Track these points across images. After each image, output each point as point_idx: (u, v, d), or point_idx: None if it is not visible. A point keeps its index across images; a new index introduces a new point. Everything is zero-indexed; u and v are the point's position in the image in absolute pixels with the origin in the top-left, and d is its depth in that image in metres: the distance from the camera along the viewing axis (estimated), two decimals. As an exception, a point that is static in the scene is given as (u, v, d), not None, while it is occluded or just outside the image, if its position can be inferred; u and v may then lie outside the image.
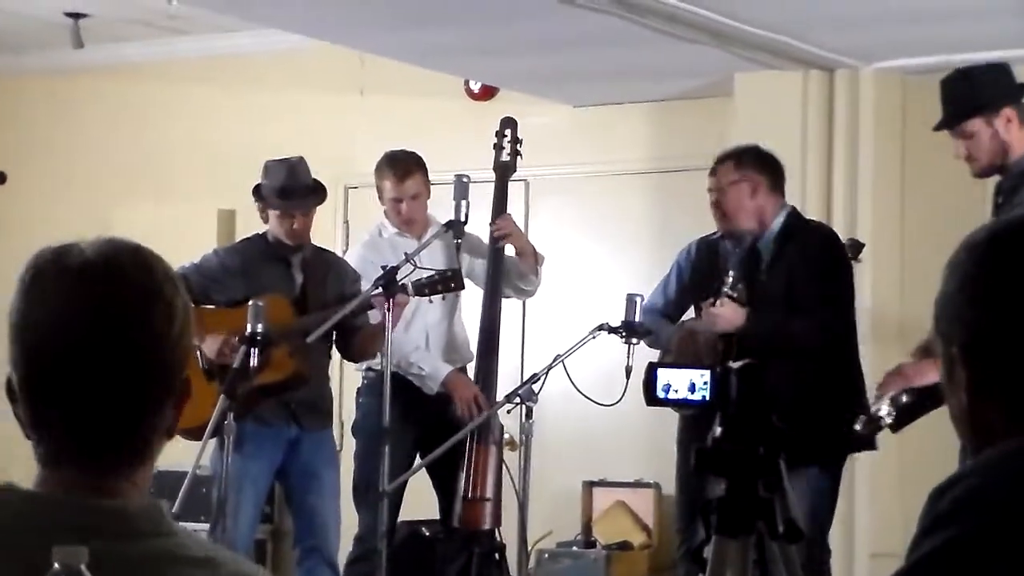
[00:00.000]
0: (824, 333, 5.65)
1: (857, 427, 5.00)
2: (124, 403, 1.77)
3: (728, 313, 5.63)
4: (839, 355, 5.69)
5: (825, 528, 5.71)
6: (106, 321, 1.76)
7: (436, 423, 6.34)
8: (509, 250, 6.66)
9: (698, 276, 6.46)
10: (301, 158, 6.41)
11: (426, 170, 6.58)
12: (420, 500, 6.64)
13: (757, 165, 5.86)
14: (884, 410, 4.87)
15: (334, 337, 6.34)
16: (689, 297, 6.49)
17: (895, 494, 7.40)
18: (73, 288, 1.77)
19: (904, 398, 4.83)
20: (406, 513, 6.56)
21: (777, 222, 5.83)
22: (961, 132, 5.06)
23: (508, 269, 6.63)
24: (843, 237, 6.39)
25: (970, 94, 5.07)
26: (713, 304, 5.68)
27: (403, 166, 6.55)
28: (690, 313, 6.46)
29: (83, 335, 1.75)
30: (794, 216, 5.92)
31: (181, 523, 1.82)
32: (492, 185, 6.72)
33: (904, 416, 4.88)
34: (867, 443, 5.74)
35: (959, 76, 5.16)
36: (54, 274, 1.78)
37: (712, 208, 6.48)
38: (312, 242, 6.43)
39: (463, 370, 6.59)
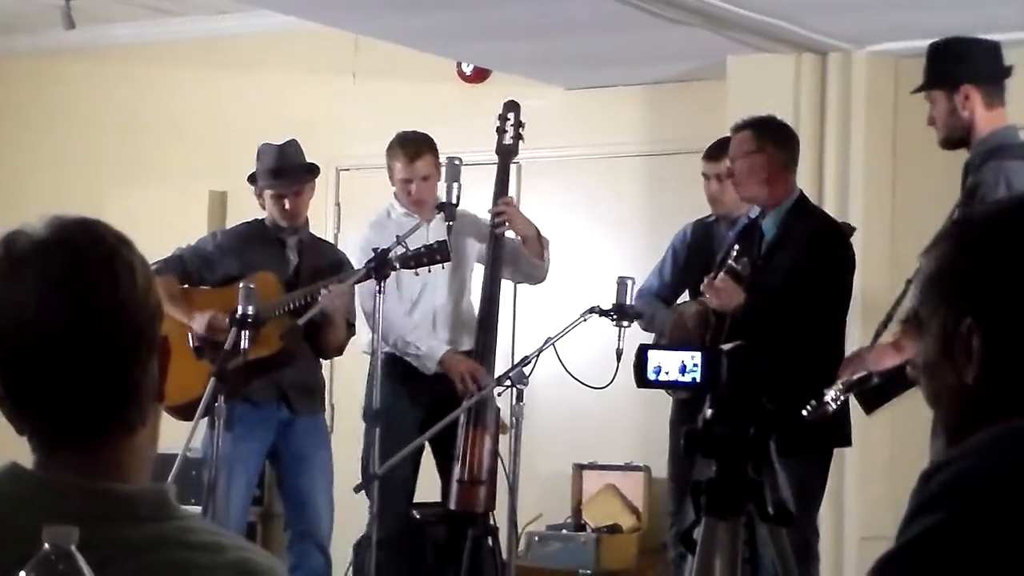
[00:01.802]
0: (819, 332, 5.57)
1: (804, 413, 4.98)
2: (107, 373, 1.77)
3: (727, 291, 5.56)
4: (823, 346, 5.65)
5: (813, 511, 5.71)
6: (71, 296, 1.75)
7: (440, 405, 6.34)
8: (511, 234, 6.64)
9: (693, 259, 6.45)
10: (293, 140, 6.42)
11: (437, 152, 6.58)
12: (426, 483, 6.62)
13: (776, 139, 5.77)
14: (831, 395, 4.88)
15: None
16: (684, 280, 6.49)
17: (885, 477, 7.41)
18: (31, 272, 1.76)
19: (874, 379, 4.84)
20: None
21: (786, 203, 5.73)
22: (928, 99, 5.12)
23: (515, 255, 6.61)
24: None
25: (937, 65, 5.12)
26: (715, 277, 5.61)
27: (414, 147, 6.56)
28: (685, 296, 6.46)
29: (51, 316, 1.75)
30: (803, 201, 5.84)
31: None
32: (484, 167, 6.71)
33: (875, 398, 4.89)
34: (842, 439, 5.73)
35: (938, 45, 5.21)
36: (8, 264, 1.77)
37: (707, 193, 6.46)
38: (310, 229, 6.46)
39: (468, 352, 6.58)
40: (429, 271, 6.18)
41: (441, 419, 6.03)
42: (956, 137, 5.07)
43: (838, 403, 4.90)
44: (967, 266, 1.79)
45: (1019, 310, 1.75)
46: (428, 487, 6.58)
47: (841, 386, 4.92)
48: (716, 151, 6.41)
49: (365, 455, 6.35)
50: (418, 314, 6.51)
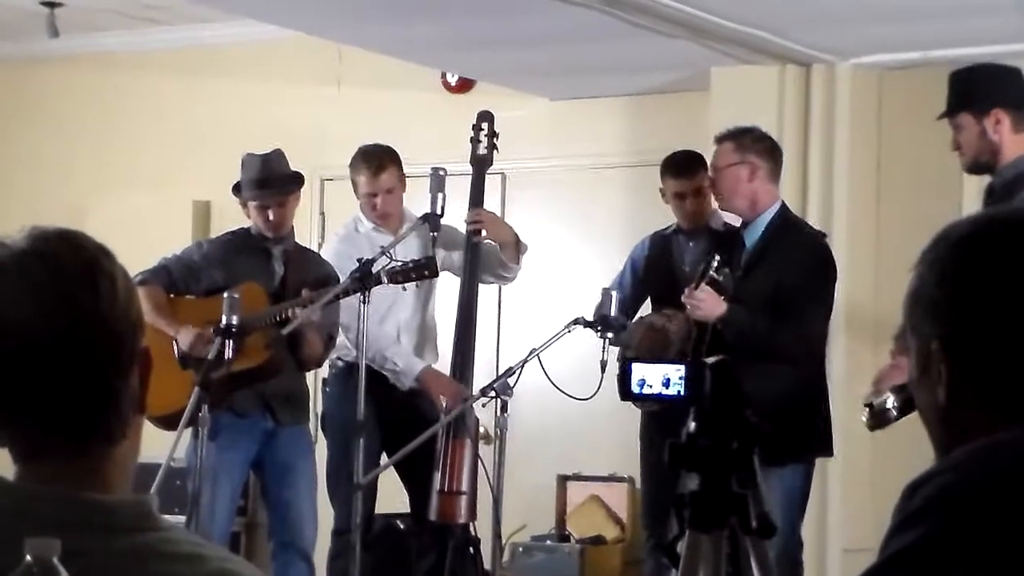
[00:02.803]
0: (803, 344, 5.61)
1: (864, 419, 4.99)
2: (87, 385, 1.76)
3: (709, 301, 5.56)
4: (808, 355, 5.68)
5: (796, 523, 5.72)
6: (51, 307, 1.75)
7: (403, 417, 6.34)
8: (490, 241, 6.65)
9: (653, 270, 6.46)
10: (278, 150, 6.41)
11: (400, 164, 6.58)
12: (392, 493, 6.64)
13: (758, 149, 5.78)
14: (890, 402, 4.87)
15: None
16: (645, 292, 6.50)
17: (867, 489, 7.42)
18: (10, 283, 1.76)
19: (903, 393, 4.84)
20: (379, 506, 6.56)
21: (768, 214, 5.74)
22: (954, 124, 5.12)
23: (489, 258, 6.62)
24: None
25: (965, 89, 5.12)
26: (696, 287, 5.62)
27: (377, 160, 6.54)
28: (646, 308, 6.46)
29: (31, 327, 1.74)
30: (785, 212, 5.85)
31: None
32: (469, 178, 6.71)
33: (907, 408, 4.89)
34: (825, 450, 5.77)
35: (964, 71, 5.22)
36: None
37: (683, 211, 6.44)
38: (295, 239, 6.45)
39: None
40: (405, 289, 6.18)
41: (405, 430, 6.03)
42: (984, 161, 5.07)
43: (898, 409, 4.87)
44: (935, 290, 1.80)
45: (980, 336, 1.76)
46: (386, 498, 6.60)
47: (893, 393, 4.89)
48: (691, 166, 6.36)
49: (336, 462, 6.36)
50: (386, 327, 6.50)
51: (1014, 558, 1.63)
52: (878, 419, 4.92)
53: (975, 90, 5.10)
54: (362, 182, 6.56)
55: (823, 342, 5.79)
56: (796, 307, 5.57)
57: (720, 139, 5.87)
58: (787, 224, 5.81)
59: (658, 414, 5.97)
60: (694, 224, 6.39)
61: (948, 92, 5.17)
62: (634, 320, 6.31)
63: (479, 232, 6.57)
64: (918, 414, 1.87)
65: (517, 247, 6.62)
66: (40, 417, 1.76)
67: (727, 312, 5.54)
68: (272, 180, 6.31)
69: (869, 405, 4.94)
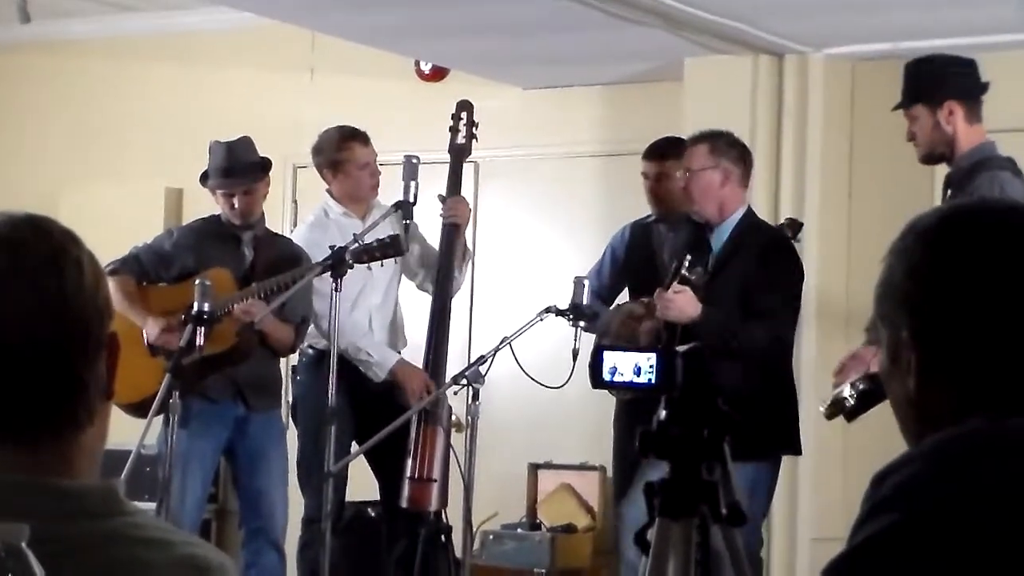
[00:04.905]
0: (775, 344, 5.62)
1: (821, 409, 5.01)
2: (53, 371, 1.75)
3: (682, 302, 5.51)
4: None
5: (758, 519, 5.72)
6: (16, 293, 1.74)
7: (376, 405, 6.34)
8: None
9: (633, 259, 6.46)
10: (244, 138, 6.40)
11: None
12: (363, 481, 6.64)
13: (732, 155, 5.78)
14: (847, 392, 4.89)
15: None
16: (623, 280, 6.50)
17: (838, 479, 7.45)
18: None
19: (861, 385, 4.86)
20: (349, 494, 6.56)
21: (734, 218, 5.74)
22: (909, 116, 5.15)
23: (432, 265, 6.63)
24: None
25: (918, 81, 5.17)
26: (667, 288, 5.59)
27: (362, 133, 6.61)
28: (624, 296, 6.46)
29: None
30: (751, 216, 5.86)
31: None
32: (441, 166, 6.71)
33: (861, 404, 4.90)
34: (791, 448, 5.78)
35: (916, 62, 5.26)
36: None
37: (648, 193, 6.44)
38: (266, 224, 6.45)
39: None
40: (369, 269, 6.18)
41: (379, 419, 6.03)
42: (938, 152, 5.12)
43: (855, 398, 4.89)
44: (904, 280, 1.81)
45: (949, 325, 1.77)
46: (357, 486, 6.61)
47: (851, 386, 4.91)
48: (661, 151, 6.38)
49: (307, 450, 6.35)
50: (356, 315, 6.50)
51: (981, 548, 1.63)
52: (834, 408, 4.95)
53: (928, 82, 5.14)
54: (358, 155, 6.58)
55: (791, 342, 5.81)
56: (764, 308, 5.58)
57: (694, 141, 5.86)
58: (752, 227, 5.83)
59: (632, 402, 5.97)
60: (663, 209, 6.36)
61: (903, 83, 5.21)
62: (611, 308, 6.31)
63: (457, 225, 6.58)
64: (891, 404, 1.88)
65: (464, 253, 6.65)
66: (5, 404, 1.75)
67: (701, 315, 5.51)
68: (237, 168, 6.31)
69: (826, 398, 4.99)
